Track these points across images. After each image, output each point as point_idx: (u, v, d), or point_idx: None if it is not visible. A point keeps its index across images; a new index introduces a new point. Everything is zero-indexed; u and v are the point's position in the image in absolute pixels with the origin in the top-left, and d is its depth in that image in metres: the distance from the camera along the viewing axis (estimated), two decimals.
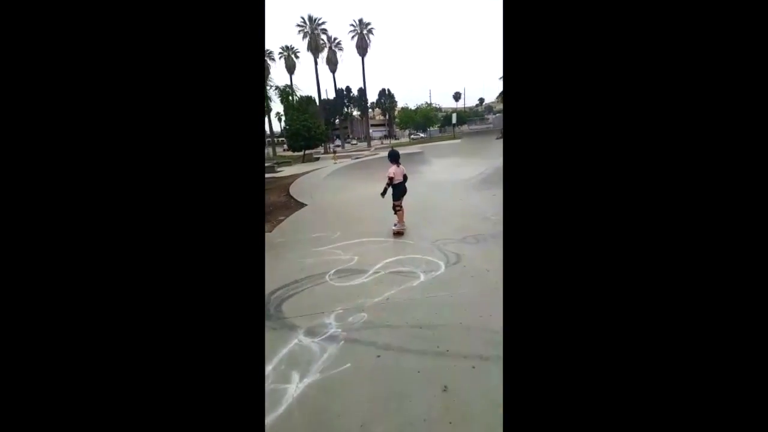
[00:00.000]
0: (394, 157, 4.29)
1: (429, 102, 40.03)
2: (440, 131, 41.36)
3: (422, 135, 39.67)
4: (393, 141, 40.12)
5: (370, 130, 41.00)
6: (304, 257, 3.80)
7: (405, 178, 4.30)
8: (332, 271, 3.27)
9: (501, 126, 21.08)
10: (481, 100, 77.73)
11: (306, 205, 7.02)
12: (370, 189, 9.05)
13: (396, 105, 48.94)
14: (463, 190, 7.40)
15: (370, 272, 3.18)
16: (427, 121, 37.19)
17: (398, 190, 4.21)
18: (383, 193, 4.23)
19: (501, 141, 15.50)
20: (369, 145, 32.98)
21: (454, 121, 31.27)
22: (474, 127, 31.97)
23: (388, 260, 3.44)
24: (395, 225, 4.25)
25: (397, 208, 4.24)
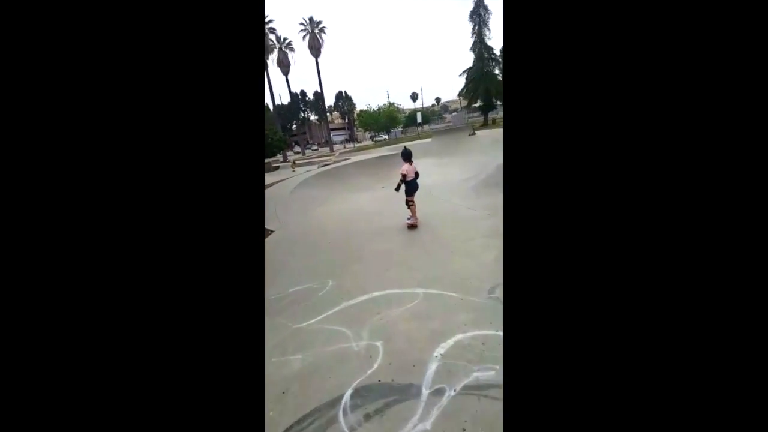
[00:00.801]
0: (406, 156, 4.52)
1: (391, 102, 38.82)
2: (402, 132, 40.56)
3: (385, 137, 38.49)
4: (356, 144, 38.55)
5: (331, 134, 39.10)
6: (284, 350, 2.15)
7: (417, 175, 4.50)
8: (347, 395, 1.68)
9: (462, 123, 20.85)
10: (438, 99, 79.07)
11: (272, 231, 5.25)
12: (355, 202, 7.33)
13: (355, 107, 47.52)
14: (465, 194, 6.08)
15: (425, 392, 1.63)
16: (391, 122, 36.01)
17: (411, 186, 4.44)
18: (397, 188, 4.44)
19: (474, 137, 14.87)
20: (332, 150, 31.14)
21: (419, 120, 30.50)
22: (435, 126, 31.58)
23: (442, 348, 1.92)
24: (408, 219, 4.48)
25: (410, 203, 4.47)
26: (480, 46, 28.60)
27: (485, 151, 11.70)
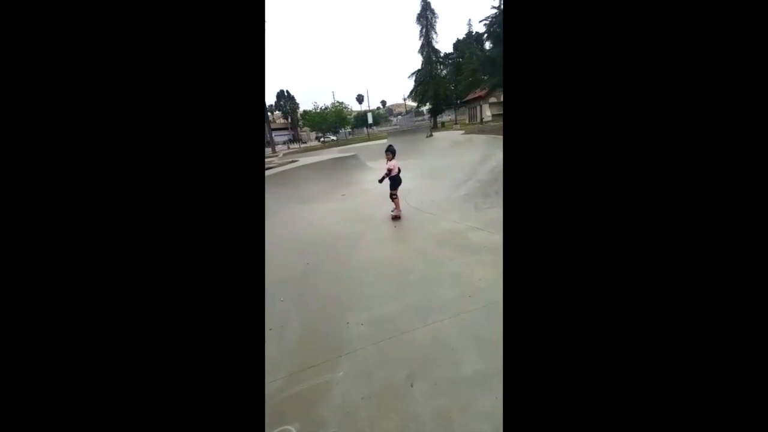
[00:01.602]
0: (392, 152, 4.77)
1: (339, 101, 36.83)
2: (351, 133, 38.90)
3: (333, 138, 36.43)
4: (302, 145, 35.83)
5: (273, 135, 35.78)
6: None
7: (399, 170, 4.70)
8: None
9: (410, 126, 20.25)
10: (383, 102, 79.25)
11: None
12: (312, 218, 5.22)
13: (298, 107, 44.57)
14: (459, 207, 4.71)
15: None
16: (340, 122, 34.05)
17: (395, 181, 4.65)
18: (381, 181, 4.79)
19: (432, 139, 14.11)
20: (274, 151, 28.24)
21: (370, 120, 29.25)
22: (384, 128, 30.75)
23: None
24: (392, 210, 4.64)
25: (393, 196, 4.66)
26: (428, 48, 28.41)
27: (448, 153, 10.74)
